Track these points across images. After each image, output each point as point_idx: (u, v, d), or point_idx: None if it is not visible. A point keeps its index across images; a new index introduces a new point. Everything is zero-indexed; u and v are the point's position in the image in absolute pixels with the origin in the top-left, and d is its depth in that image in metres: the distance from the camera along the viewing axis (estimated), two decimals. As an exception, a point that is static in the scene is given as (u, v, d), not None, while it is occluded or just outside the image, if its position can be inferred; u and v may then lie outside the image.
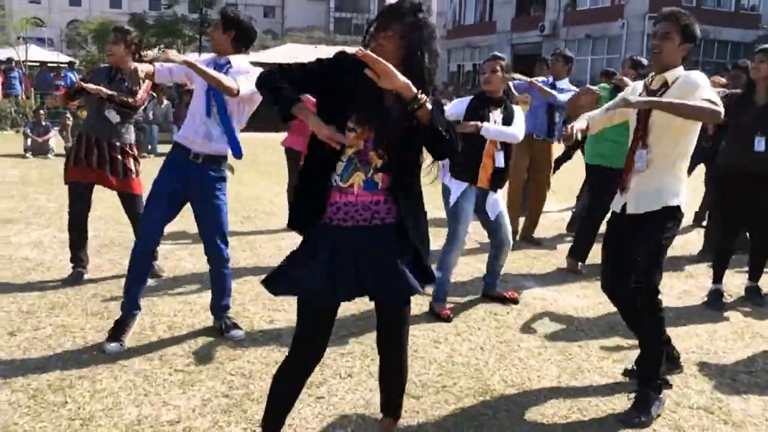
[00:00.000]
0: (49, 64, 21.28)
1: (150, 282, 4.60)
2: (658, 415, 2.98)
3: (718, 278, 4.74)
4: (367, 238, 2.23)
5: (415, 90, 2.08)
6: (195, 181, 3.62)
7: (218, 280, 3.80)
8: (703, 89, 2.87)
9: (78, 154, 4.58)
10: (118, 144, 4.60)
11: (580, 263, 5.39)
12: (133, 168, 4.65)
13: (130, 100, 4.51)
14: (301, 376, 2.34)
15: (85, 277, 4.70)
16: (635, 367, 3.24)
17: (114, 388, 3.06)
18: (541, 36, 30.29)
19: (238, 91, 3.42)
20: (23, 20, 28.11)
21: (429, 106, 2.11)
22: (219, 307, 3.81)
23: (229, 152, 3.68)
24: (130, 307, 3.66)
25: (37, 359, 3.34)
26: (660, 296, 3.06)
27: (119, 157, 4.59)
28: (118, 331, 3.56)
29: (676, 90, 2.96)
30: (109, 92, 4.46)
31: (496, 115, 4.23)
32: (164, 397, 3.00)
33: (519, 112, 4.35)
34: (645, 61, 5.40)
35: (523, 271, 5.35)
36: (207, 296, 4.31)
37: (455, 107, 4.31)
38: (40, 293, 4.35)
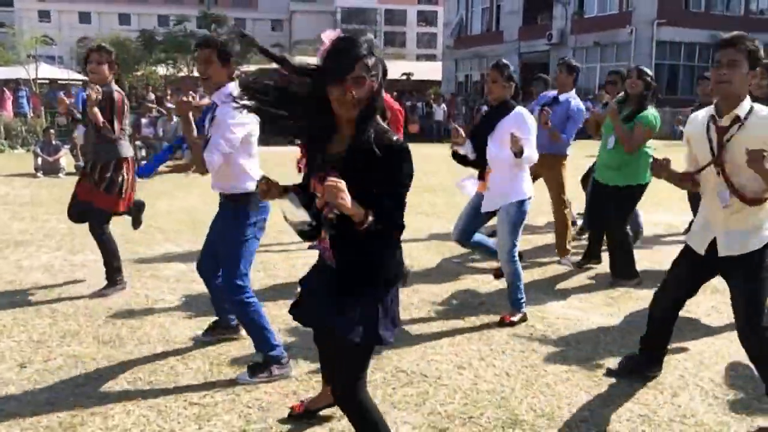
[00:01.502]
0: (59, 82, 21.39)
1: (162, 306, 4.52)
2: None
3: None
4: (325, 274, 2.31)
5: (362, 215, 2.02)
6: None
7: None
8: None
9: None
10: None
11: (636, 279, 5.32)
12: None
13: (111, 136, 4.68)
14: None
15: (97, 302, 4.61)
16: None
17: (127, 425, 2.94)
18: (549, 44, 30.16)
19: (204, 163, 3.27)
20: (33, 38, 28.26)
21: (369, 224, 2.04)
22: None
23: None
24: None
25: (47, 393, 3.23)
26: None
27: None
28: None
29: (754, 130, 2.77)
30: (100, 120, 4.57)
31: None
32: (179, 433, 2.88)
33: (518, 117, 4.20)
34: (651, 72, 5.24)
35: (544, 289, 5.19)
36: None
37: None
38: (51, 321, 4.25)
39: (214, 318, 3.97)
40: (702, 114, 3.06)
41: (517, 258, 4.30)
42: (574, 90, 6.11)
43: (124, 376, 3.45)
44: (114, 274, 4.85)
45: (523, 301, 4.36)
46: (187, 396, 3.23)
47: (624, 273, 5.30)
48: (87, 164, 4.86)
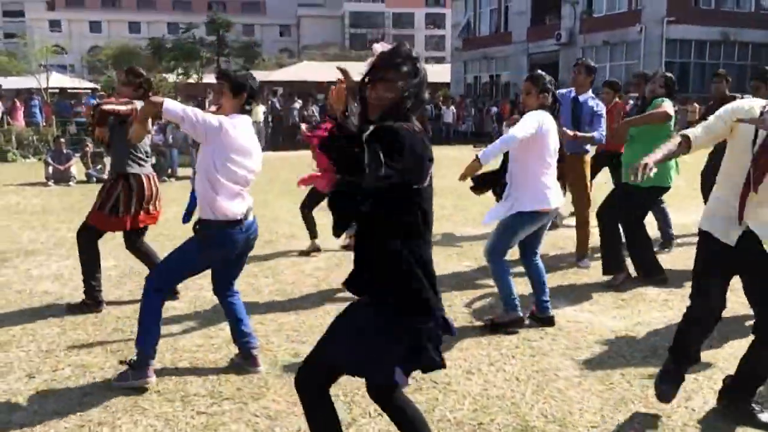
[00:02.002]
0: (69, 91, 21.56)
1: (170, 314, 4.51)
2: None
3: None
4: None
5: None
6: None
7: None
8: None
9: None
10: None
11: (620, 274, 5.27)
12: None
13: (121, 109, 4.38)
14: None
15: (106, 311, 4.61)
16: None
17: (134, 435, 2.93)
18: (558, 44, 30.02)
19: (162, 104, 3.24)
20: (44, 48, 28.48)
21: None
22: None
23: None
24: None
25: (55, 404, 3.22)
26: None
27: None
28: None
29: None
30: (119, 107, 4.34)
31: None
32: (186, 443, 2.86)
33: (527, 116, 4.12)
34: (673, 77, 5.30)
35: (553, 292, 5.12)
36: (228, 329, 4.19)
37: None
38: (60, 330, 4.25)
39: (222, 326, 3.95)
40: (756, 104, 2.93)
41: (499, 259, 4.16)
42: (590, 90, 6.03)
43: (132, 385, 3.44)
44: (91, 291, 4.66)
45: (514, 299, 4.21)
46: (194, 405, 3.21)
47: (616, 265, 5.27)
48: None
